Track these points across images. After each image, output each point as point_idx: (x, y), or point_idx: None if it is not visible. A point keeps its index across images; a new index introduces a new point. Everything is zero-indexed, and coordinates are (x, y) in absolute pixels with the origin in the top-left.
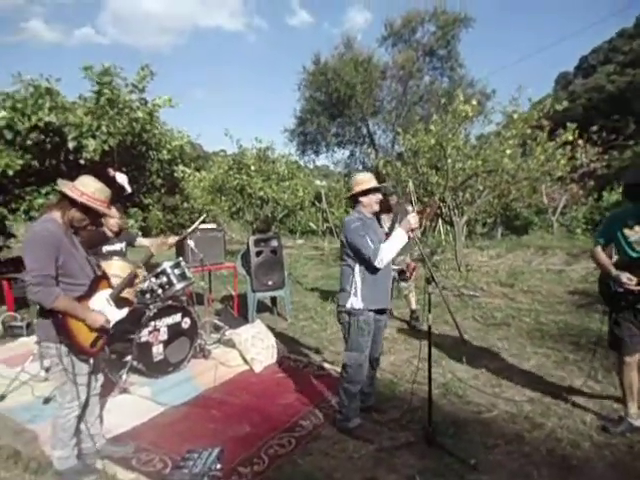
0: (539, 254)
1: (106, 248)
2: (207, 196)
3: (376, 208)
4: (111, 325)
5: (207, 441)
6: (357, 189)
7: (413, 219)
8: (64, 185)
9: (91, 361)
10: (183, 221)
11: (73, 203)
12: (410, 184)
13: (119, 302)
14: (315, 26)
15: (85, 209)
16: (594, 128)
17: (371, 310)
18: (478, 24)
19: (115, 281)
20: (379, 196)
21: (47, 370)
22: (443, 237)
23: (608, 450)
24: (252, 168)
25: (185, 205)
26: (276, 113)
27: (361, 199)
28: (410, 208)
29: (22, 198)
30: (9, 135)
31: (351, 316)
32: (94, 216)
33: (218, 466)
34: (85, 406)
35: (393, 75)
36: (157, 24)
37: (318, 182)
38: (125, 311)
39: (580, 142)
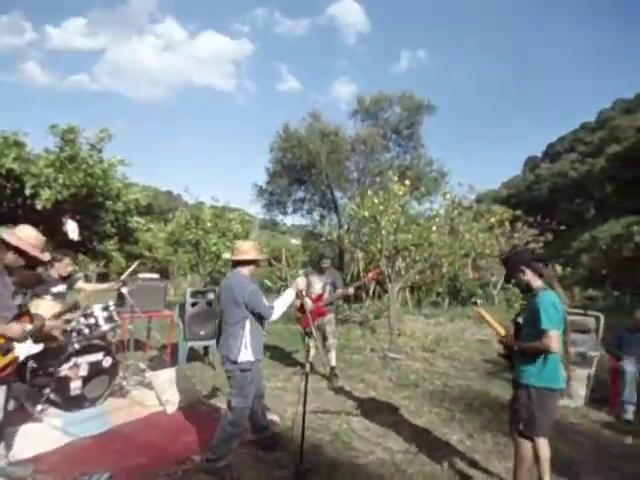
0: (476, 324)
1: (57, 289)
2: (168, 247)
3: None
4: (24, 355)
5: (103, 468)
6: (239, 257)
7: (301, 281)
8: (4, 232)
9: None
10: (146, 269)
11: (8, 246)
12: (358, 252)
13: (42, 338)
14: (302, 93)
15: (19, 252)
16: (518, 212)
17: (259, 360)
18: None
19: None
20: (253, 268)
21: None
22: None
23: None
24: (208, 225)
25: (148, 254)
26: (253, 172)
27: (241, 267)
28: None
29: None
30: None
31: (244, 370)
32: (28, 258)
33: None
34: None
35: (358, 148)
36: (151, 77)
37: (294, 241)
38: (40, 346)
39: (513, 225)
